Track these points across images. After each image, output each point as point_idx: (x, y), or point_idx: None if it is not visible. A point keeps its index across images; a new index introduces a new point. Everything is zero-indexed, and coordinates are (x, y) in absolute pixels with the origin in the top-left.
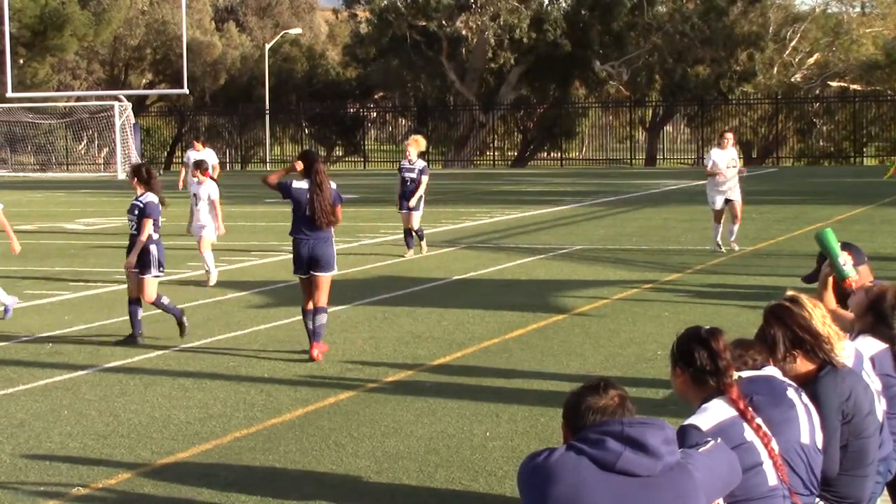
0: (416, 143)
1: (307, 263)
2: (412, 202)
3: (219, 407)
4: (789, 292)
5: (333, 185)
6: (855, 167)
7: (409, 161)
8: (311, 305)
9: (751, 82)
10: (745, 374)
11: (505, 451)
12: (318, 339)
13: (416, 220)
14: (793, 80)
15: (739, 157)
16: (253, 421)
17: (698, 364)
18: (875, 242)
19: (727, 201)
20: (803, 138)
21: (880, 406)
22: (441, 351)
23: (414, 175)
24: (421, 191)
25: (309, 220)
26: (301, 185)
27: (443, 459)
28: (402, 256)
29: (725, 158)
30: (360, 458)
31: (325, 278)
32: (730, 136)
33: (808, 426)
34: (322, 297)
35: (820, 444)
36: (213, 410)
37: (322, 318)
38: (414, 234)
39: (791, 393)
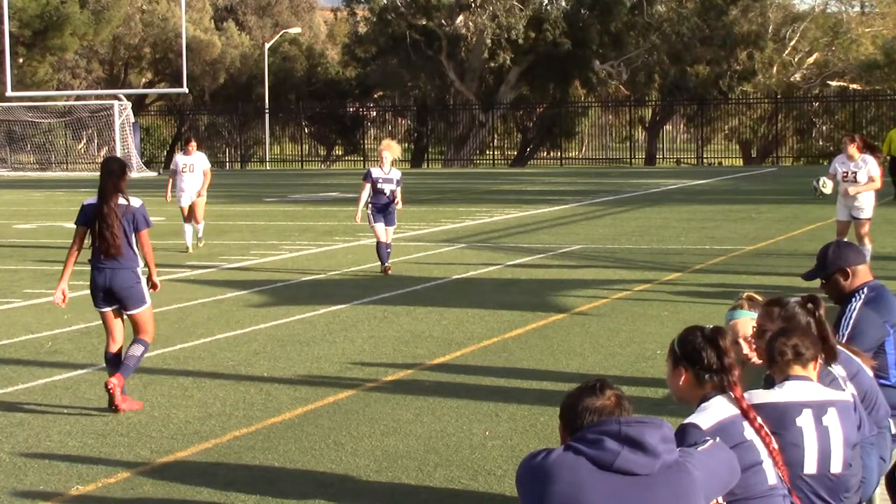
0: (393, 150)
1: (105, 296)
2: (394, 217)
3: (218, 406)
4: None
5: (137, 204)
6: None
7: (385, 170)
8: (114, 348)
9: (750, 82)
10: (757, 399)
11: (504, 450)
12: (123, 371)
13: (391, 234)
14: (792, 79)
15: (877, 167)
16: (252, 420)
17: (705, 363)
18: (875, 242)
19: (853, 218)
20: (803, 138)
21: (848, 388)
22: (440, 350)
23: (393, 186)
24: (399, 204)
25: (98, 245)
26: (91, 201)
27: (442, 458)
28: (386, 273)
29: (843, 168)
30: (359, 457)
31: (140, 316)
32: (848, 141)
33: (816, 455)
34: (143, 333)
35: (839, 468)
36: (212, 409)
37: (136, 350)
38: (386, 249)
39: (804, 419)
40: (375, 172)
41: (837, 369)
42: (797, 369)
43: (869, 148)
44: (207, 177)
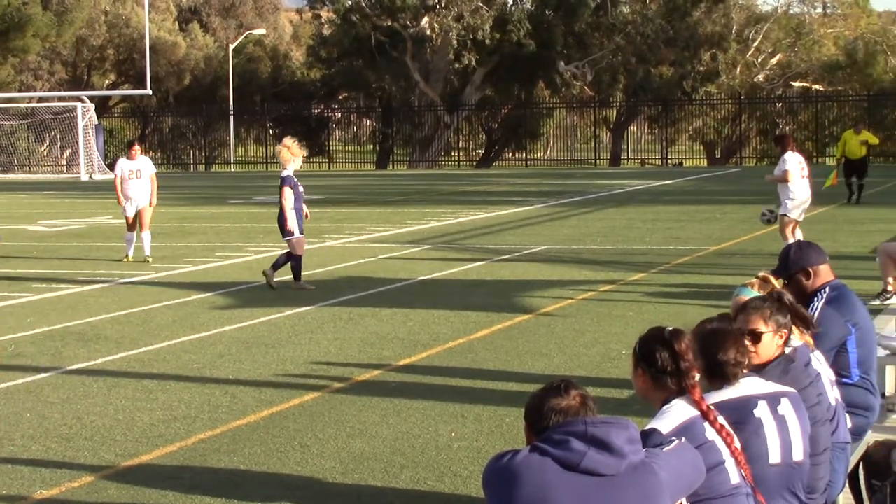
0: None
1: None
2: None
3: (183, 409)
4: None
5: None
6: (817, 167)
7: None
8: None
9: (714, 83)
10: (713, 399)
11: (470, 451)
12: None
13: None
14: (756, 80)
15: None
16: (217, 422)
17: (660, 365)
18: (837, 242)
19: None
20: (766, 138)
21: (833, 393)
22: (406, 351)
23: (301, 189)
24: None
25: None
26: None
27: (408, 460)
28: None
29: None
30: (325, 459)
31: None
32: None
33: (778, 443)
34: None
35: (801, 456)
36: (177, 412)
37: None
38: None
39: (761, 410)
40: (291, 176)
41: (827, 371)
42: (742, 373)
43: (781, 143)
44: (154, 183)
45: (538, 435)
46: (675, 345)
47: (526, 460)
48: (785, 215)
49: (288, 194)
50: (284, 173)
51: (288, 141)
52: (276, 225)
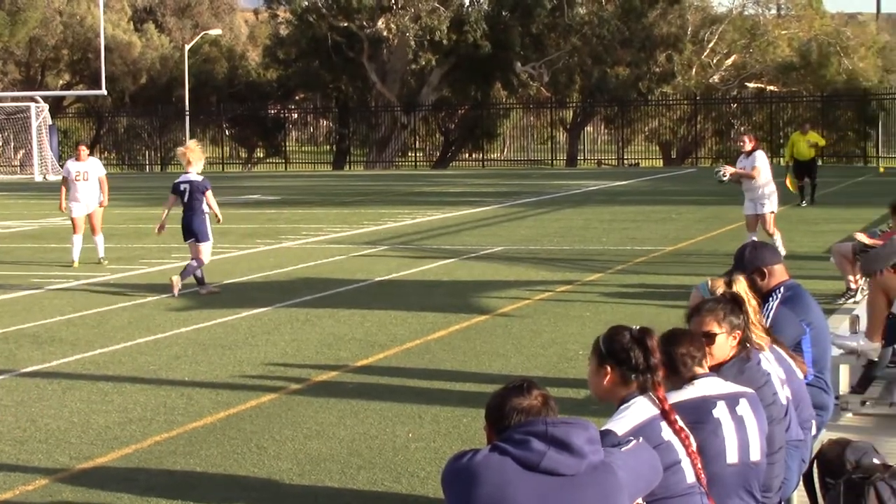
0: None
1: None
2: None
3: (139, 411)
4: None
5: None
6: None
7: None
8: None
9: (670, 83)
10: (673, 399)
11: (427, 452)
12: None
13: None
14: (711, 81)
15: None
16: (173, 425)
17: (633, 362)
18: (792, 242)
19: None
20: (721, 139)
21: (783, 392)
22: (363, 352)
23: None
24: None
25: None
26: None
27: (365, 461)
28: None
29: (740, 164)
30: (281, 460)
31: None
32: (747, 140)
33: (736, 443)
34: None
35: (758, 456)
36: (132, 414)
37: None
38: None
39: (719, 410)
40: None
41: (777, 370)
42: (698, 370)
43: (753, 141)
44: (105, 185)
45: (499, 434)
46: (648, 342)
47: (485, 460)
48: (773, 212)
49: (211, 197)
50: (195, 177)
51: (191, 143)
52: (185, 229)
